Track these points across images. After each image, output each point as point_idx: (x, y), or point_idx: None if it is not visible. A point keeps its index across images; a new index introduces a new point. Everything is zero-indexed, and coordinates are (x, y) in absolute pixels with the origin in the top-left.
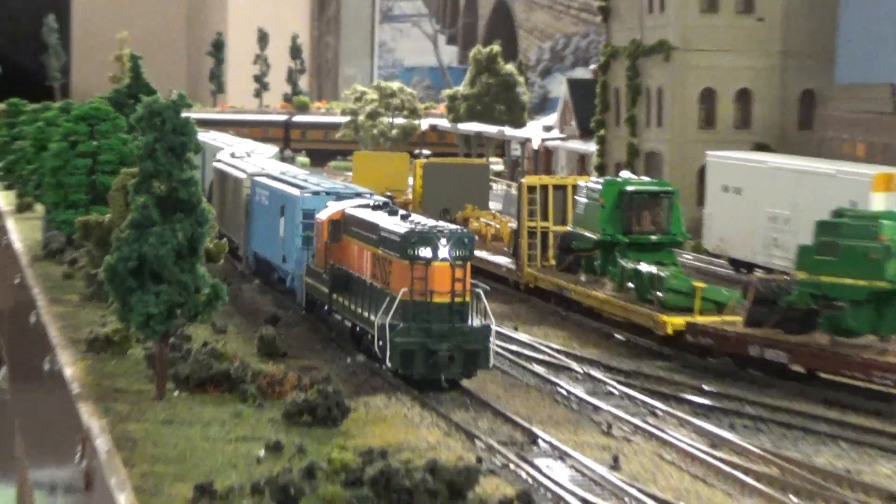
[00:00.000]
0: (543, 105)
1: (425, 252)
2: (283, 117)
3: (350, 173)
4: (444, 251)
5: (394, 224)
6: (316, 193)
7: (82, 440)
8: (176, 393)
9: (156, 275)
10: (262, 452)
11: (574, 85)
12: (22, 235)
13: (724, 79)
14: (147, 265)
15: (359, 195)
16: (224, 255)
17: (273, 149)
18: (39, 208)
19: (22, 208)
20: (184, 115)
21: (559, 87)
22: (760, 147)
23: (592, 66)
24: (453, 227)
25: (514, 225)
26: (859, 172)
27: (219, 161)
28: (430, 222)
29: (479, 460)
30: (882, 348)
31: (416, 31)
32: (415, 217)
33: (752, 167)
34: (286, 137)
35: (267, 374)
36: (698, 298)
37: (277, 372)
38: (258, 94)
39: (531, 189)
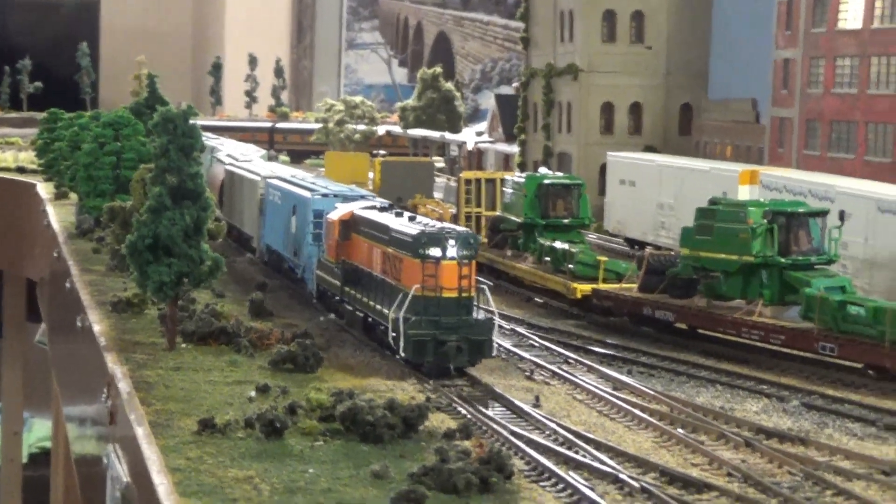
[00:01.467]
0: (476, 115)
1: (435, 252)
2: (269, 124)
3: (322, 169)
4: (452, 251)
5: (404, 226)
6: (325, 195)
7: (108, 383)
8: (183, 345)
9: (168, 250)
10: (252, 393)
11: (500, 99)
12: (59, 218)
13: (620, 94)
14: (161, 242)
15: (363, 198)
16: (223, 234)
17: (260, 150)
18: (73, 196)
19: (59, 196)
20: (191, 122)
21: (488, 101)
22: (649, 149)
23: (515, 84)
24: (460, 228)
25: (454, 210)
26: (729, 169)
27: (231, 164)
28: (438, 224)
29: (429, 399)
30: (749, 310)
31: (374, 56)
32: (420, 219)
33: (644, 165)
34: (271, 140)
35: (257, 330)
36: (602, 270)
37: (265, 328)
38: (249, 106)
39: (468, 182)
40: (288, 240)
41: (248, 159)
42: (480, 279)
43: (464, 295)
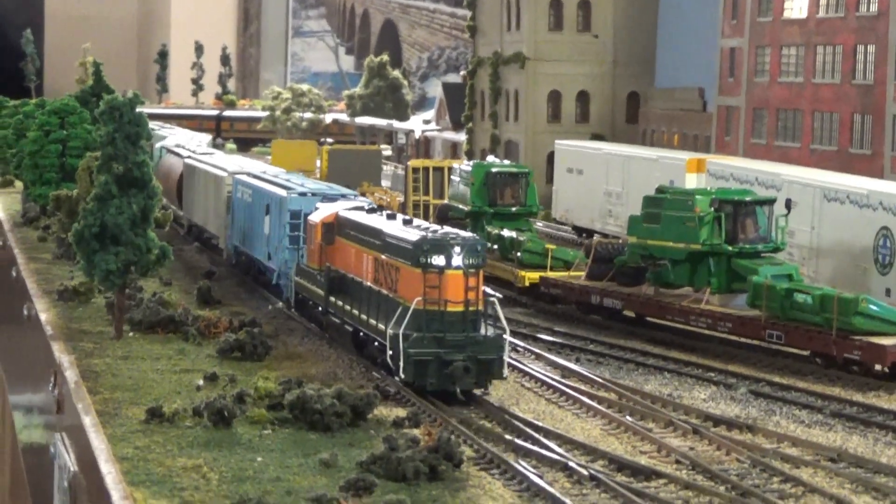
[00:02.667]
0: (423, 103)
1: (438, 260)
2: (216, 112)
3: (270, 157)
4: (457, 259)
5: (401, 230)
6: (303, 194)
7: (54, 372)
8: (131, 334)
9: (115, 238)
10: (201, 382)
11: (447, 87)
12: (5, 206)
13: (567, 83)
14: (107, 231)
15: (344, 196)
16: (169, 223)
17: (206, 137)
18: (19, 184)
19: (4, 185)
20: (137, 110)
21: (435, 89)
22: (597, 137)
23: (462, 72)
24: (466, 234)
25: (401, 198)
26: (676, 157)
27: (190, 157)
28: (440, 229)
29: (377, 388)
30: (696, 297)
31: (321, 43)
32: (417, 222)
33: (591, 153)
34: (217, 128)
35: (204, 319)
36: (549, 258)
37: (213, 316)
38: (195, 94)
39: (415, 170)
40: (260, 242)
41: (208, 152)
42: (488, 291)
43: (471, 308)
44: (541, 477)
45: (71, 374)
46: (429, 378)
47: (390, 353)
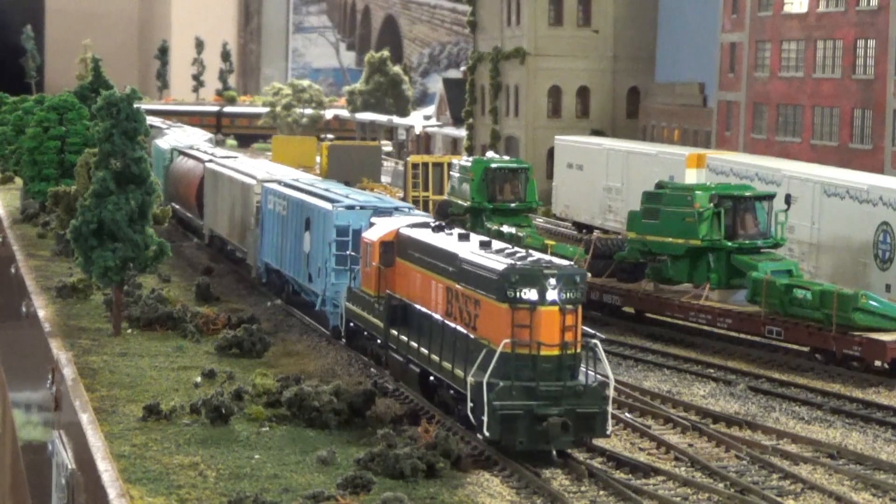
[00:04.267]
0: (423, 99)
1: (530, 294)
2: (216, 108)
3: (270, 153)
4: (552, 292)
5: (481, 256)
6: (350, 207)
7: (52, 369)
8: (129, 331)
9: (112, 235)
10: (199, 379)
11: (448, 83)
12: (4, 203)
13: (568, 78)
14: (105, 227)
15: (397, 209)
16: (168, 220)
17: (207, 133)
18: (18, 181)
19: (3, 181)
20: (135, 106)
21: (436, 85)
22: (597, 132)
23: (463, 68)
24: (562, 262)
25: (401, 194)
26: (675, 153)
27: (212, 162)
28: (527, 254)
29: (375, 385)
30: (696, 293)
31: (322, 39)
32: (497, 244)
33: (591, 148)
34: (218, 124)
35: (203, 315)
36: (550, 253)
37: (211, 313)
38: (196, 90)
39: (415, 166)
40: (298, 261)
41: (230, 155)
42: (588, 330)
43: (568, 352)
44: (538, 474)
45: (69, 371)
46: (518, 437)
47: (471, 404)
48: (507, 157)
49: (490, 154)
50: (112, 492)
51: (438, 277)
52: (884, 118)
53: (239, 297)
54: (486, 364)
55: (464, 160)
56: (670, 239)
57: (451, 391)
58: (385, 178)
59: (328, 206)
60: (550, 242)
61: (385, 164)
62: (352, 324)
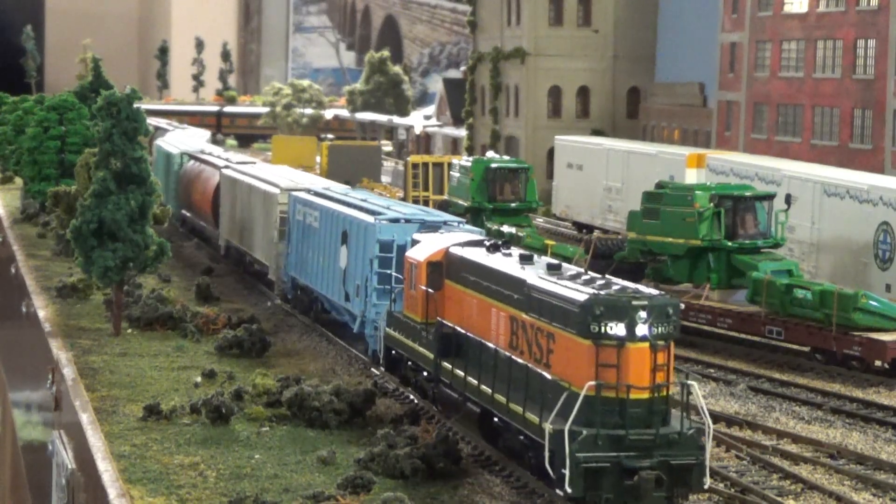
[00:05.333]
0: (423, 99)
1: (617, 329)
2: (216, 108)
3: (270, 153)
4: (643, 327)
5: (555, 283)
6: (394, 220)
7: (52, 369)
8: (129, 330)
9: (112, 235)
10: (199, 379)
11: (448, 83)
12: (4, 203)
13: (568, 78)
14: (105, 227)
15: (445, 223)
16: (168, 219)
17: (206, 132)
18: (18, 181)
19: (4, 181)
20: (135, 106)
21: (436, 85)
22: (597, 132)
23: (463, 68)
24: (651, 291)
25: (401, 194)
26: (676, 153)
27: (228, 167)
28: (608, 281)
29: (375, 385)
30: (696, 293)
31: (322, 39)
32: (567, 268)
33: (591, 148)
34: (218, 124)
35: (203, 315)
36: (549, 253)
37: (211, 313)
38: (196, 90)
39: (415, 166)
40: (332, 278)
41: (247, 161)
42: (681, 369)
43: (660, 395)
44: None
45: (69, 372)
46: (604, 492)
47: (550, 455)
48: (507, 157)
49: (490, 154)
50: (112, 492)
51: (500, 305)
52: (884, 118)
53: (239, 297)
54: (567, 409)
55: (464, 160)
56: (670, 239)
57: (522, 437)
58: (385, 178)
59: (370, 218)
60: (550, 242)
61: (385, 164)
62: (393, 351)
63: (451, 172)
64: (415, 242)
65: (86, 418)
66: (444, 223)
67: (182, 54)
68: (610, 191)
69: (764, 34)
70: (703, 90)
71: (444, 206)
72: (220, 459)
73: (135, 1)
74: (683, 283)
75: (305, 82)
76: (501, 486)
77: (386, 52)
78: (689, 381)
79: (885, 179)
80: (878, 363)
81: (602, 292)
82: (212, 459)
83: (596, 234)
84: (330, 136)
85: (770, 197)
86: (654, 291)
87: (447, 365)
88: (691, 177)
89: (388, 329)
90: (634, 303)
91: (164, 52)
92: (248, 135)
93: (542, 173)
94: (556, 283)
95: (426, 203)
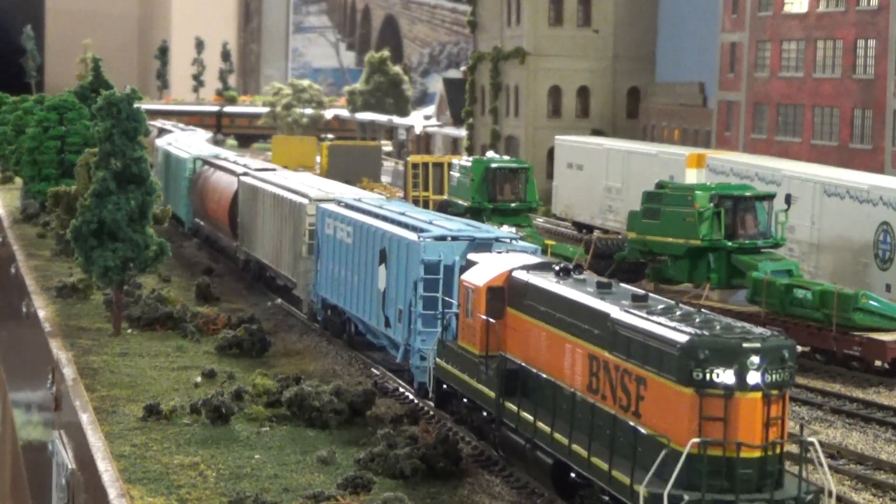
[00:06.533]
0: (423, 99)
1: (724, 376)
2: (216, 108)
3: (270, 153)
4: (755, 374)
5: (646, 318)
6: (441, 238)
7: (52, 369)
8: (129, 331)
9: (113, 235)
10: (199, 379)
11: (448, 83)
12: (4, 203)
13: (568, 78)
14: (106, 227)
15: (497, 240)
16: (167, 219)
17: (207, 133)
18: (18, 181)
19: (4, 181)
20: (135, 105)
21: (436, 85)
22: (597, 132)
23: (463, 68)
24: (762, 330)
25: (401, 194)
26: (676, 153)
27: (247, 175)
28: (709, 317)
29: (375, 385)
30: (696, 293)
31: (322, 39)
32: (658, 302)
33: (591, 148)
34: (218, 124)
35: (203, 315)
36: (549, 253)
37: (211, 313)
38: (196, 90)
39: (415, 166)
40: (370, 300)
41: (267, 167)
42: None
43: (773, 453)
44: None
45: (69, 372)
46: None
47: None
48: (507, 157)
49: (490, 154)
50: (112, 492)
51: (575, 340)
52: (884, 118)
53: (239, 297)
54: (665, 469)
55: (464, 160)
56: (670, 239)
57: (607, 497)
58: (385, 178)
59: (412, 235)
60: (550, 242)
61: (385, 164)
62: (445, 385)
63: (451, 172)
64: (470, 263)
65: (86, 418)
66: (496, 239)
67: (182, 54)
68: (610, 191)
69: (764, 34)
70: (703, 90)
71: (444, 206)
72: (220, 459)
73: (135, 1)
74: (683, 283)
75: (305, 82)
76: (501, 486)
77: (386, 52)
78: (808, 438)
79: (885, 179)
80: (878, 363)
81: (705, 332)
82: (212, 459)
83: (596, 234)
84: (330, 136)
85: (770, 197)
86: (766, 331)
87: (512, 406)
88: (691, 177)
89: (439, 360)
90: (745, 345)
91: (164, 52)
92: (248, 135)
93: (542, 173)
94: (647, 318)
95: (426, 203)
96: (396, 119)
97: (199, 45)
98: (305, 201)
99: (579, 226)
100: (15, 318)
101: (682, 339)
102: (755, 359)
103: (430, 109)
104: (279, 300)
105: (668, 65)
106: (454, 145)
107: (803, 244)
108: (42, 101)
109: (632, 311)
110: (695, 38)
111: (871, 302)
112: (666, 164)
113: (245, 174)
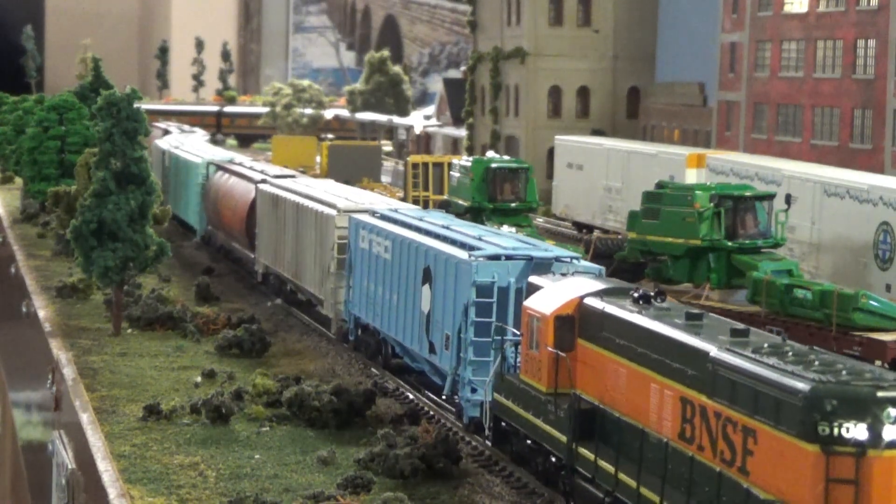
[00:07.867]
0: (423, 99)
1: (856, 431)
2: (216, 108)
3: (270, 153)
4: (891, 430)
5: (753, 360)
6: (495, 258)
7: (52, 369)
8: (129, 331)
9: (113, 235)
10: (199, 379)
11: (448, 83)
12: (4, 203)
13: (568, 78)
14: (105, 227)
15: (557, 259)
16: (168, 219)
17: (205, 133)
18: (18, 181)
19: (4, 181)
20: (135, 105)
21: (436, 85)
22: (597, 132)
23: (463, 68)
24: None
25: (401, 194)
26: (676, 153)
27: (266, 182)
28: (832, 360)
29: (375, 385)
30: (696, 293)
31: (322, 39)
32: (763, 338)
33: (591, 148)
34: (218, 124)
35: (203, 315)
36: None
37: (211, 313)
38: (196, 90)
39: (415, 166)
40: (411, 322)
41: (285, 174)
42: None
43: None
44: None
45: (69, 371)
46: None
47: None
48: (506, 157)
49: (490, 154)
50: (112, 492)
51: (663, 380)
52: (884, 118)
53: (239, 297)
54: None
55: (464, 160)
56: (670, 239)
57: None
58: (385, 178)
59: (462, 254)
60: (550, 242)
61: (385, 164)
62: (503, 423)
63: (451, 172)
64: (533, 288)
65: (86, 418)
66: (556, 259)
67: (182, 54)
68: (610, 191)
69: (764, 34)
70: (703, 90)
71: (444, 206)
72: (220, 459)
73: (135, 1)
74: (683, 283)
75: (305, 82)
76: (501, 486)
77: (386, 52)
78: None
79: (885, 179)
80: (878, 363)
81: (830, 377)
82: (212, 459)
83: (596, 233)
84: (330, 136)
85: (770, 197)
86: None
87: (587, 453)
88: (691, 177)
89: (497, 395)
90: (880, 394)
91: (164, 52)
92: (248, 135)
93: (542, 173)
94: (756, 359)
95: (426, 203)
96: (396, 119)
97: (199, 45)
98: (333, 212)
99: (579, 226)
100: (15, 318)
101: (804, 386)
102: (892, 411)
103: (430, 109)
104: (279, 300)
105: (668, 65)
106: (454, 145)
107: (803, 244)
108: (42, 101)
109: (736, 350)
110: (695, 38)
111: (871, 302)
112: (666, 164)
113: (263, 181)
